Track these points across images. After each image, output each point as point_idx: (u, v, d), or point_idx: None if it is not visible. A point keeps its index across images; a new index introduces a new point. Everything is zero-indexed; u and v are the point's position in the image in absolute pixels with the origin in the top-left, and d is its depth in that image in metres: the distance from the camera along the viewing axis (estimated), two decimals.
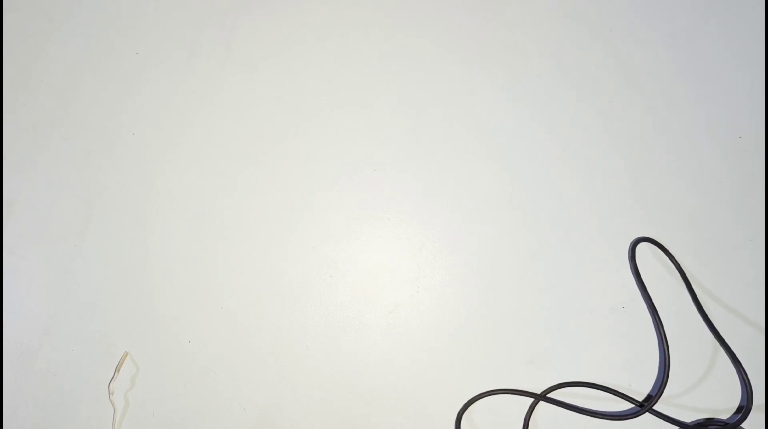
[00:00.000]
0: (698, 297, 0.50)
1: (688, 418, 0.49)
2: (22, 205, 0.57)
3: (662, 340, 0.50)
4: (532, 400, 0.50)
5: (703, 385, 0.50)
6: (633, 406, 0.50)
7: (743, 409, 0.48)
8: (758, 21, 0.55)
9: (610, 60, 0.55)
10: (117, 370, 0.53)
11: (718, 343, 0.50)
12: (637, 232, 0.52)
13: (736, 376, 0.49)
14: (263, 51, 0.58)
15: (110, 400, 0.53)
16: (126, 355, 0.54)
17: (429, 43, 0.57)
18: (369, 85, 0.57)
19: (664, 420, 0.49)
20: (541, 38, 0.56)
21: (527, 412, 0.50)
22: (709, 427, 0.48)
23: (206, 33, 0.59)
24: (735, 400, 0.49)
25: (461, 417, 0.51)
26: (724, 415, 0.49)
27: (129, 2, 0.60)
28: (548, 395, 0.50)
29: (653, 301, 0.50)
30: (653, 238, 0.51)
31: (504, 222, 0.53)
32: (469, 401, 0.51)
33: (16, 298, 0.55)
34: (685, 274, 0.51)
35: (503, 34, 0.56)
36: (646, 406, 0.49)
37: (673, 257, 0.51)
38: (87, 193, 0.57)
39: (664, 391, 0.49)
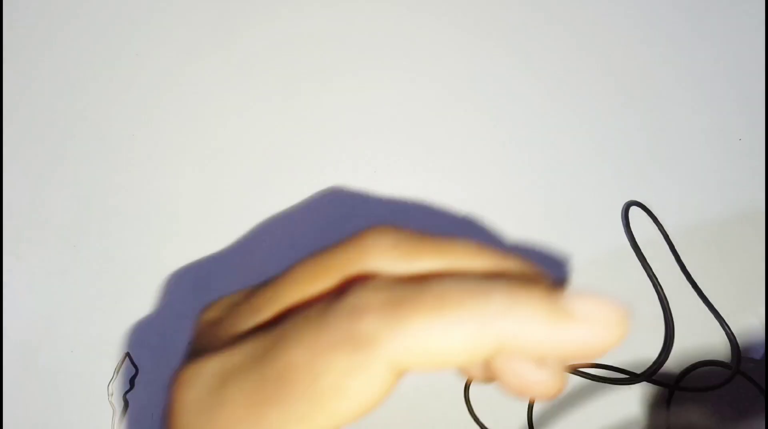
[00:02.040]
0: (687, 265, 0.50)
1: None
2: (22, 205, 0.57)
3: (666, 311, 0.49)
4: None
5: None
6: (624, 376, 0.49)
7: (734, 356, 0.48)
8: (758, 21, 0.55)
9: (609, 60, 0.55)
10: (116, 371, 0.53)
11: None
12: (637, 232, 0.52)
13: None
14: (263, 51, 0.58)
15: (109, 401, 0.53)
16: (126, 357, 0.54)
17: (429, 42, 0.57)
18: (369, 86, 0.57)
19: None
20: (542, 38, 0.56)
21: None
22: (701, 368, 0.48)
23: (206, 33, 0.59)
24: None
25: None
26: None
27: (129, 2, 0.60)
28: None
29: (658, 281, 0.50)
30: (641, 201, 0.52)
31: (504, 222, 0.53)
32: None
33: (16, 298, 0.55)
34: (673, 245, 0.51)
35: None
36: (641, 375, 0.48)
37: (662, 226, 0.51)
38: (87, 193, 0.56)
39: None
